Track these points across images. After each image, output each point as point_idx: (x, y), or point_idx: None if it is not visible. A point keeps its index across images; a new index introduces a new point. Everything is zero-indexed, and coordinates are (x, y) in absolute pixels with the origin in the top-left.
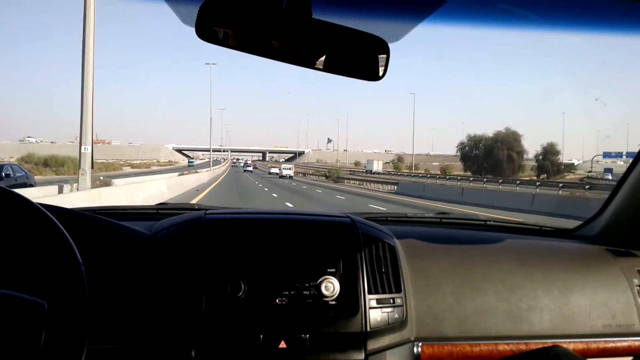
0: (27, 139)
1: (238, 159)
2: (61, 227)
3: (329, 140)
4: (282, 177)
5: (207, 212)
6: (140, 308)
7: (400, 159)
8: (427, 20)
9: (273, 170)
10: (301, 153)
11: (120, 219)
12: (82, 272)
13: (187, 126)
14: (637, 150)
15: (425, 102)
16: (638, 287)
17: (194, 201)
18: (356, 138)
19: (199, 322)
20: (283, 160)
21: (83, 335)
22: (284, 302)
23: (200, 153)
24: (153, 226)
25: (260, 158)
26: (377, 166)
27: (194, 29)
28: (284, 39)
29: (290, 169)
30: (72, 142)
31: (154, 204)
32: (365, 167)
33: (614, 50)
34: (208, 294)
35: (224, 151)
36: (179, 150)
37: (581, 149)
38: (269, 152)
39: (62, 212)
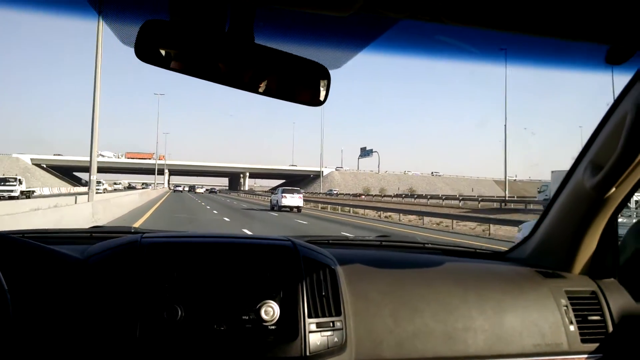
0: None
1: (191, 187)
2: None
3: (365, 153)
4: None
5: (144, 235)
6: (71, 335)
7: None
8: (367, 49)
9: (287, 200)
10: (316, 175)
11: (51, 243)
12: (7, 298)
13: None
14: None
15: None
16: (565, 307)
17: None
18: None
19: (132, 350)
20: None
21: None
22: (222, 328)
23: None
24: (86, 250)
25: (227, 186)
26: None
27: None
28: (226, 63)
29: None
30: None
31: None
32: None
33: (543, 82)
34: (143, 320)
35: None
36: (53, 167)
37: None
38: (250, 174)
39: None
